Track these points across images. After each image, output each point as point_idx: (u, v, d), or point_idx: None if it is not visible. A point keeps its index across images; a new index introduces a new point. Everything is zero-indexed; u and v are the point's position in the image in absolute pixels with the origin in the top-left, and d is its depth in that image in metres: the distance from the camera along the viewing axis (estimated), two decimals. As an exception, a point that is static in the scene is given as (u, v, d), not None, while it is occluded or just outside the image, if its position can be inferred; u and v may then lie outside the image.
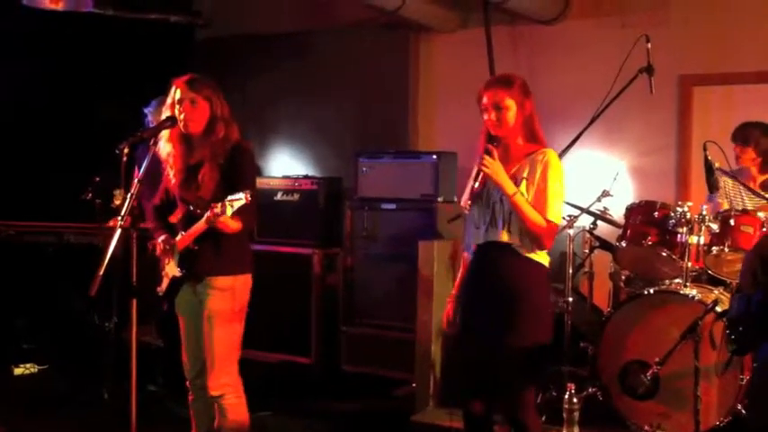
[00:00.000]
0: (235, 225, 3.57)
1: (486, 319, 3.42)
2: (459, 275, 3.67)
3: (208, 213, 3.49)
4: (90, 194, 5.20)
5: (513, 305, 3.35)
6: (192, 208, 3.69)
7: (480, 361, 3.45)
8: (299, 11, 6.82)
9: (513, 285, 3.37)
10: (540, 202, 3.36)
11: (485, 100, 3.44)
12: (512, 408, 3.44)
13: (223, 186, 3.60)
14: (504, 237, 3.38)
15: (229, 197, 3.43)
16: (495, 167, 3.34)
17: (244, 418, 3.80)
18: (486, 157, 3.35)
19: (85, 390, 5.22)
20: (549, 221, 3.35)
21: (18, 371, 5.69)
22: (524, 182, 3.38)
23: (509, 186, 3.33)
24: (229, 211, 3.43)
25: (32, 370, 5.73)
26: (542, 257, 3.44)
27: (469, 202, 3.50)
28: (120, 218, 3.47)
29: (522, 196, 3.33)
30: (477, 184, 3.41)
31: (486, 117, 3.44)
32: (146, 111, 5.44)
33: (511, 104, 3.41)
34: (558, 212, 3.39)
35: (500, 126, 3.41)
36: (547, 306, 3.50)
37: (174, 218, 3.82)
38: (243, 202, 3.42)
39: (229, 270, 3.71)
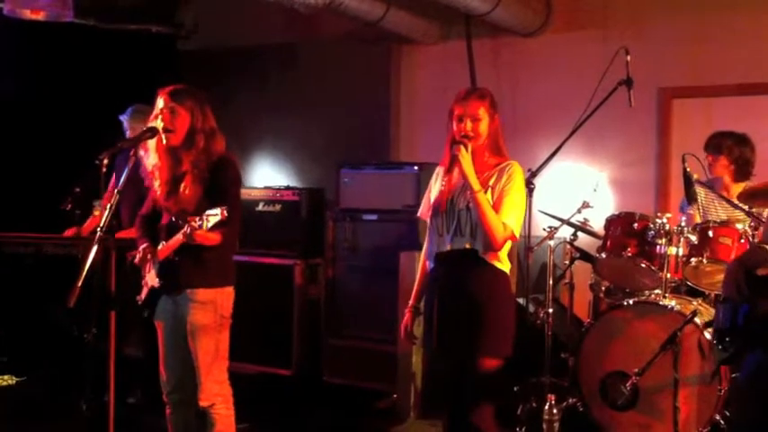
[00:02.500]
0: (213, 237, 3.56)
1: (454, 331, 3.45)
2: (416, 284, 3.70)
3: (185, 228, 3.48)
4: (69, 205, 5.16)
5: (481, 317, 3.39)
6: (174, 219, 3.67)
7: (451, 372, 3.49)
8: (282, 23, 6.83)
9: (478, 295, 3.41)
10: (497, 205, 3.43)
11: (459, 110, 3.50)
12: (473, 420, 3.43)
13: (205, 199, 3.59)
14: (471, 245, 3.42)
15: (207, 212, 3.43)
16: (467, 159, 3.41)
17: (231, 430, 3.78)
18: (461, 147, 3.41)
19: (64, 401, 5.17)
20: (505, 225, 3.40)
21: (-5, 383, 5.65)
22: (490, 190, 3.45)
23: (475, 182, 3.39)
24: (206, 226, 3.43)
25: (10, 381, 5.67)
26: (505, 265, 3.50)
27: (425, 211, 3.59)
28: (99, 228, 3.45)
29: (484, 195, 3.39)
30: (454, 169, 3.45)
31: (456, 127, 3.49)
32: (121, 118, 5.42)
33: (484, 116, 3.50)
34: (514, 220, 3.43)
35: (474, 136, 3.47)
36: (511, 319, 3.53)
37: (159, 228, 3.80)
38: (218, 218, 3.42)
39: (211, 283, 3.69)
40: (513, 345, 3.50)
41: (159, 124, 3.67)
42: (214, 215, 3.42)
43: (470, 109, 3.48)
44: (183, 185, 3.66)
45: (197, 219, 3.43)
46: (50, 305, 5.09)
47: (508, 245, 3.50)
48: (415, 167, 5.77)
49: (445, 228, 3.49)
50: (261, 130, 7.25)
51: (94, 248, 3.40)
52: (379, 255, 5.72)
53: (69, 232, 5.37)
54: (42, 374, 5.62)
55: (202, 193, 3.64)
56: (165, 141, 3.68)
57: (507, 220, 3.41)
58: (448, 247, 3.47)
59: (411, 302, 3.71)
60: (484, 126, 3.50)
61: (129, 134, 5.34)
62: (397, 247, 5.46)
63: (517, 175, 3.49)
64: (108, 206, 3.51)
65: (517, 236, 3.48)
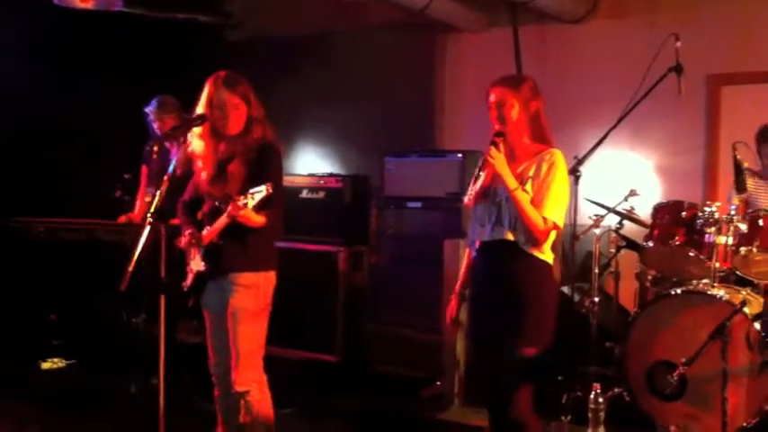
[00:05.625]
0: (258, 219, 3.59)
1: (493, 319, 3.44)
2: (462, 272, 3.69)
3: (230, 206, 3.51)
4: (120, 192, 5.26)
5: (519, 306, 3.37)
6: (218, 203, 3.71)
7: (491, 361, 3.48)
8: (326, 11, 6.85)
9: (519, 285, 3.39)
10: (539, 199, 3.37)
11: (491, 98, 3.48)
12: (510, 407, 3.42)
13: (249, 182, 3.62)
14: (511, 235, 3.40)
15: (251, 190, 3.45)
16: (499, 159, 3.36)
17: (269, 413, 3.81)
18: (492, 149, 3.38)
19: (113, 384, 5.27)
20: (546, 219, 3.35)
21: (46, 365, 5.74)
22: (530, 181, 3.40)
23: (511, 181, 3.35)
24: (251, 204, 3.45)
25: (60, 364, 5.78)
26: (547, 255, 3.45)
27: (472, 198, 3.52)
28: (149, 214, 3.51)
29: (522, 192, 3.35)
30: (482, 174, 3.41)
31: (490, 114, 3.49)
32: (147, 110, 5.46)
33: (513, 102, 3.43)
34: (557, 212, 3.38)
35: (501, 122, 3.45)
36: (551, 308, 3.49)
37: (201, 214, 3.84)
38: (264, 193, 3.44)
39: (254, 266, 3.73)
40: (553, 334, 3.45)
41: (223, 117, 3.67)
42: (259, 192, 3.44)
43: (496, 95, 3.45)
44: (230, 169, 3.70)
45: (242, 198, 3.46)
46: (101, 290, 5.19)
47: (552, 235, 3.44)
48: (459, 155, 5.75)
49: (486, 217, 3.47)
50: (305, 118, 7.28)
51: (145, 234, 3.47)
52: (422, 242, 5.71)
53: (122, 219, 5.46)
54: (93, 358, 5.73)
55: (247, 176, 3.66)
56: (222, 131, 3.71)
57: (549, 214, 3.36)
58: (488, 237, 3.46)
59: (456, 288, 3.71)
60: (514, 112, 3.43)
61: (156, 125, 5.39)
62: (440, 235, 5.45)
63: (559, 163, 3.41)
64: (158, 192, 3.57)
65: (560, 225, 3.42)
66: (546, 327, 3.43)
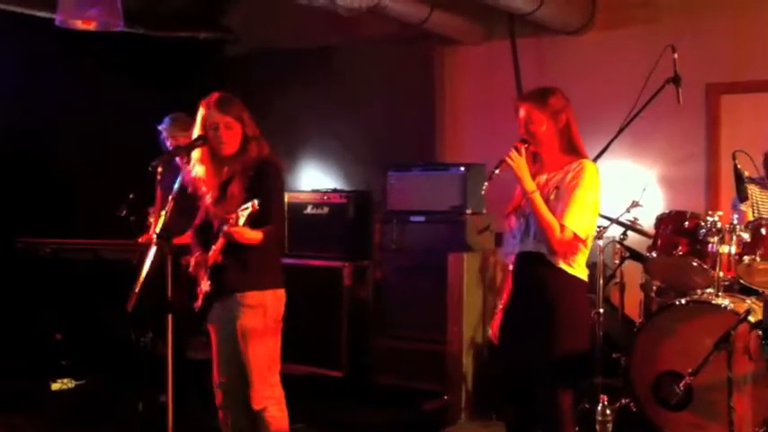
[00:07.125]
0: (252, 236, 3.60)
1: (522, 329, 3.45)
2: (506, 287, 3.67)
3: (223, 226, 3.54)
4: (124, 211, 5.27)
5: (547, 316, 3.36)
6: (220, 223, 3.73)
7: (517, 371, 3.48)
8: (326, 26, 6.88)
9: (545, 296, 3.38)
10: (561, 207, 3.34)
11: (520, 113, 3.49)
12: (547, 419, 3.44)
13: (249, 200, 3.64)
14: (536, 247, 3.40)
15: (240, 208, 3.48)
16: (519, 162, 3.37)
17: (284, 430, 3.82)
18: (513, 151, 3.39)
19: (122, 404, 5.28)
20: (564, 227, 3.31)
21: (56, 386, 5.75)
22: (555, 191, 3.38)
23: (528, 183, 3.36)
24: (241, 221, 3.47)
25: (70, 385, 5.79)
26: (578, 271, 3.42)
27: (507, 211, 3.55)
28: (155, 234, 3.53)
29: (539, 196, 3.34)
30: (497, 171, 3.40)
31: (520, 129, 3.49)
32: (160, 128, 5.48)
33: (541, 119, 3.43)
34: (581, 223, 3.33)
35: (531, 140, 3.46)
36: (582, 317, 3.49)
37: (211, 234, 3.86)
38: (249, 210, 3.47)
39: (259, 285, 3.74)
40: (586, 345, 3.49)
41: (216, 139, 3.70)
42: (245, 209, 3.47)
43: (525, 112, 3.46)
44: (230, 189, 3.72)
45: (232, 216, 3.49)
46: (108, 310, 5.20)
47: (586, 251, 3.41)
48: (461, 168, 5.77)
49: (518, 229, 3.49)
50: (307, 133, 7.30)
51: (151, 254, 3.49)
52: (426, 256, 5.73)
53: (143, 239, 5.48)
54: (101, 377, 5.75)
55: (246, 194, 3.67)
56: (219, 152, 3.74)
57: (569, 222, 3.31)
58: (518, 249, 3.48)
59: (501, 304, 3.67)
60: (543, 129, 3.43)
61: (169, 143, 5.40)
62: (444, 248, 5.47)
63: (585, 173, 3.36)
64: (162, 213, 3.59)
65: (583, 237, 3.35)
66: (573, 336, 3.40)
